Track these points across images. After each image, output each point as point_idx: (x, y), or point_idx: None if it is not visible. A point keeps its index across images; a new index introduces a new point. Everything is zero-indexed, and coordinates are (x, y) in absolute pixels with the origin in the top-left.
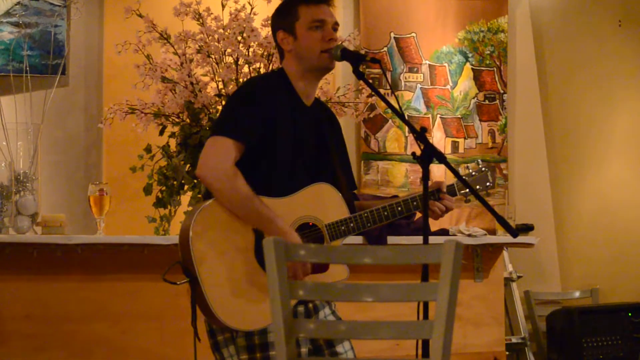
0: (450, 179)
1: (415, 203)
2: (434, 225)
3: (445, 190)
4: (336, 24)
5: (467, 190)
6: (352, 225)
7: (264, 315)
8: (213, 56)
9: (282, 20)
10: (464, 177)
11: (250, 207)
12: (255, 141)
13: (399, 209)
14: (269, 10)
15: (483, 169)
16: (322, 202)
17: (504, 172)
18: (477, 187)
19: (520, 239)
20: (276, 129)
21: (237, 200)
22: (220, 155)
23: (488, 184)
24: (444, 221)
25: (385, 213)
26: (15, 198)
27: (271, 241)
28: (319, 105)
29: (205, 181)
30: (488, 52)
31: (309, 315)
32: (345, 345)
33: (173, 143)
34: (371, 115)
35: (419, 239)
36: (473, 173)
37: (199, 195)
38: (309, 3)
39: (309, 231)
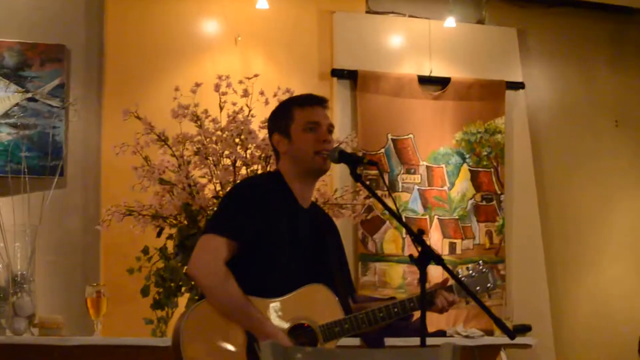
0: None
1: (412, 304)
2: (432, 326)
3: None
4: (331, 125)
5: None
6: (346, 326)
7: None
8: (211, 158)
9: (277, 122)
10: (463, 278)
11: (240, 309)
12: (248, 239)
13: (395, 310)
14: (267, 112)
15: (484, 270)
16: (316, 303)
17: (502, 272)
18: (477, 288)
19: (518, 340)
20: (271, 228)
21: (227, 301)
22: (210, 253)
23: (489, 285)
24: (441, 322)
25: (381, 314)
26: (13, 299)
27: (269, 345)
28: (315, 209)
29: (195, 280)
30: (485, 153)
31: None
32: None
33: (170, 245)
34: (369, 217)
35: (416, 341)
36: (473, 274)
37: (196, 297)
38: (304, 105)
39: (303, 332)
